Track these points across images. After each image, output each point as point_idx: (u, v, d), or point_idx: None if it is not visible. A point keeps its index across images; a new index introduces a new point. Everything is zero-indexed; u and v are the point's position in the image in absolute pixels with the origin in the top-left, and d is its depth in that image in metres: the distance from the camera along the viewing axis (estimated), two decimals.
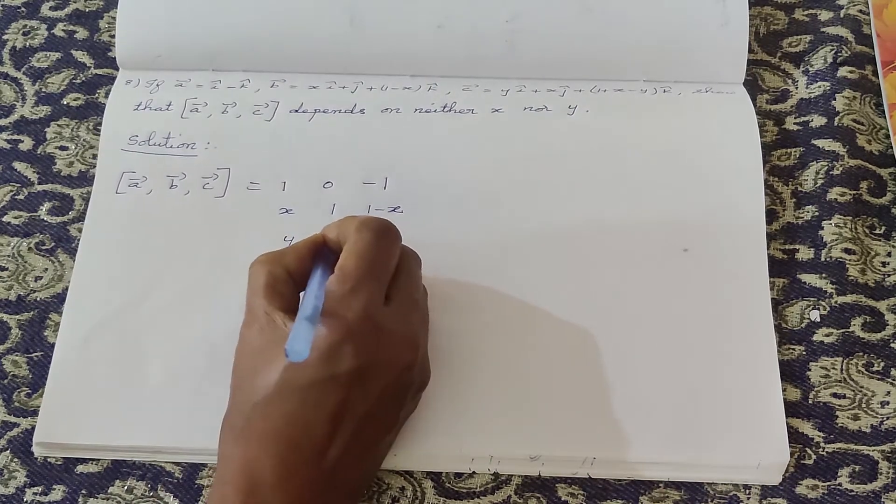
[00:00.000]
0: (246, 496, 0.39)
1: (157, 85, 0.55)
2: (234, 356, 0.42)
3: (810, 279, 0.50)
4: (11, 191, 0.53)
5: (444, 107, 0.54)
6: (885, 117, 0.54)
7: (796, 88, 0.55)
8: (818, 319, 0.49)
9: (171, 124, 0.54)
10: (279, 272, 0.42)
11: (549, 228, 0.50)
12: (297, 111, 0.54)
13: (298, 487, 0.39)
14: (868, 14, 0.57)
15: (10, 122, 0.55)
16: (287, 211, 0.51)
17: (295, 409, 0.39)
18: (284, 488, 0.39)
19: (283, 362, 0.39)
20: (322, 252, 0.43)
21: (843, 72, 0.55)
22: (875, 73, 0.55)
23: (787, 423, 0.46)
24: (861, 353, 0.48)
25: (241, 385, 0.41)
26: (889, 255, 0.50)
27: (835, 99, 0.54)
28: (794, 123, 0.54)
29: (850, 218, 0.51)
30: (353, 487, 0.42)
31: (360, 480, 0.43)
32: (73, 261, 0.50)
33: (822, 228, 0.51)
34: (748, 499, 0.45)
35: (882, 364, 0.47)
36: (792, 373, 0.47)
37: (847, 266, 0.50)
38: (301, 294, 0.43)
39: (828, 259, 0.50)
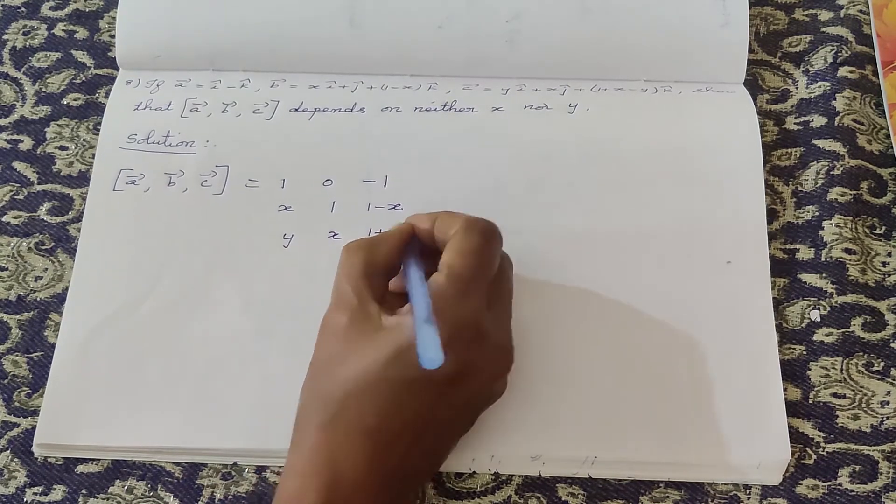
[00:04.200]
0: (329, 491, 0.38)
1: (157, 85, 0.55)
2: (315, 340, 0.42)
3: (811, 279, 0.50)
4: (11, 191, 0.53)
5: (445, 105, 0.54)
6: (885, 117, 0.54)
7: (796, 88, 0.55)
8: (818, 319, 0.49)
9: (170, 123, 0.54)
10: (374, 260, 0.41)
11: (548, 227, 0.50)
12: (296, 110, 0.54)
13: (379, 485, 0.39)
14: (868, 14, 0.57)
15: (10, 122, 0.55)
16: (286, 208, 0.51)
17: (389, 404, 0.39)
18: (366, 485, 0.38)
19: (379, 354, 0.39)
20: (411, 242, 0.43)
21: (843, 72, 0.55)
22: (875, 73, 0.55)
23: (788, 423, 0.46)
24: (861, 353, 0.48)
25: (325, 371, 0.41)
26: (889, 255, 0.50)
27: (835, 99, 0.54)
28: (795, 123, 0.54)
29: (851, 218, 0.51)
30: (415, 488, 0.42)
31: (423, 482, 0.43)
32: (73, 261, 0.50)
33: (823, 228, 0.51)
34: (748, 499, 0.45)
35: (882, 364, 0.47)
36: (792, 373, 0.47)
37: (847, 266, 0.50)
38: (388, 282, 0.43)
39: (828, 259, 0.50)
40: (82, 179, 0.53)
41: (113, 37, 0.56)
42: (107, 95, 0.55)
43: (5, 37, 0.58)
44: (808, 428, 0.46)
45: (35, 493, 0.45)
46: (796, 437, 0.46)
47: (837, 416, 0.46)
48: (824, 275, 0.50)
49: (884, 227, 0.51)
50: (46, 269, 0.51)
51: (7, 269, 0.51)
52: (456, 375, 0.39)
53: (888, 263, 0.50)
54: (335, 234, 0.50)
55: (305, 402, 0.41)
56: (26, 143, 0.54)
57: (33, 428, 0.46)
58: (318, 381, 0.41)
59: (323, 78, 0.55)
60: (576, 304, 0.48)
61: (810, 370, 0.47)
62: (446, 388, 0.40)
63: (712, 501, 0.45)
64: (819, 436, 0.46)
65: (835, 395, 0.47)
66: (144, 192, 0.52)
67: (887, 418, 0.46)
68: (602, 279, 0.49)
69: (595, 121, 0.53)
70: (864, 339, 0.48)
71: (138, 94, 0.55)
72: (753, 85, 0.56)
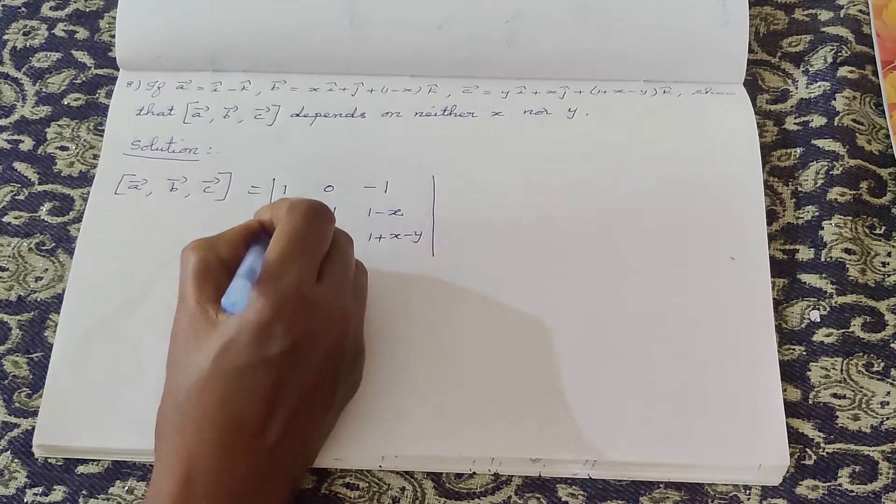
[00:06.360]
0: (185, 484, 0.38)
1: (159, 87, 0.55)
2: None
3: (810, 279, 0.50)
4: (12, 191, 0.53)
5: (445, 110, 0.54)
6: (884, 117, 0.54)
7: (796, 88, 0.55)
8: (818, 320, 0.49)
9: (173, 129, 0.54)
10: (212, 259, 0.42)
11: (549, 230, 0.50)
12: (298, 115, 0.54)
13: (237, 474, 0.39)
14: (868, 14, 0.57)
15: (10, 123, 0.55)
16: None
17: (228, 393, 0.39)
18: (222, 477, 0.38)
19: (214, 349, 0.39)
20: (257, 236, 0.43)
21: (843, 72, 0.55)
22: (875, 72, 0.55)
23: (788, 424, 0.46)
24: (861, 354, 0.48)
25: (174, 375, 0.41)
26: (889, 255, 0.50)
27: (835, 99, 0.54)
28: (794, 123, 0.54)
29: (851, 218, 0.51)
30: (293, 474, 0.42)
31: (300, 467, 0.43)
32: None
33: (823, 228, 0.51)
34: (748, 499, 0.45)
35: (882, 364, 0.47)
36: (792, 373, 0.47)
37: (847, 266, 0.50)
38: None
39: (828, 259, 0.50)
40: (83, 180, 0.53)
41: (113, 37, 0.56)
42: (107, 96, 0.55)
43: (5, 37, 0.58)
44: (808, 428, 0.46)
45: (35, 494, 0.45)
46: (796, 437, 0.46)
47: (837, 417, 0.46)
48: (824, 275, 0.50)
49: (883, 227, 0.51)
50: (47, 269, 0.51)
51: (7, 269, 0.51)
52: (290, 348, 0.39)
53: (888, 263, 0.50)
54: None
55: (160, 408, 0.41)
56: (27, 144, 0.54)
57: (34, 428, 0.46)
58: (169, 384, 0.41)
59: (323, 79, 0.55)
60: (576, 305, 0.48)
61: (810, 371, 0.47)
62: (287, 360, 0.39)
63: (712, 502, 0.45)
64: (819, 436, 0.46)
65: (835, 395, 0.47)
66: (146, 196, 0.52)
67: (887, 419, 0.46)
68: (601, 282, 0.49)
69: (594, 125, 0.53)
70: (863, 339, 0.48)
71: (140, 97, 0.54)
72: (753, 85, 0.56)
